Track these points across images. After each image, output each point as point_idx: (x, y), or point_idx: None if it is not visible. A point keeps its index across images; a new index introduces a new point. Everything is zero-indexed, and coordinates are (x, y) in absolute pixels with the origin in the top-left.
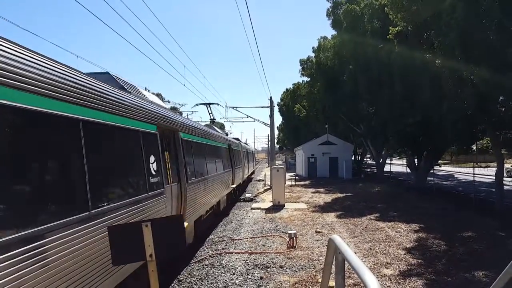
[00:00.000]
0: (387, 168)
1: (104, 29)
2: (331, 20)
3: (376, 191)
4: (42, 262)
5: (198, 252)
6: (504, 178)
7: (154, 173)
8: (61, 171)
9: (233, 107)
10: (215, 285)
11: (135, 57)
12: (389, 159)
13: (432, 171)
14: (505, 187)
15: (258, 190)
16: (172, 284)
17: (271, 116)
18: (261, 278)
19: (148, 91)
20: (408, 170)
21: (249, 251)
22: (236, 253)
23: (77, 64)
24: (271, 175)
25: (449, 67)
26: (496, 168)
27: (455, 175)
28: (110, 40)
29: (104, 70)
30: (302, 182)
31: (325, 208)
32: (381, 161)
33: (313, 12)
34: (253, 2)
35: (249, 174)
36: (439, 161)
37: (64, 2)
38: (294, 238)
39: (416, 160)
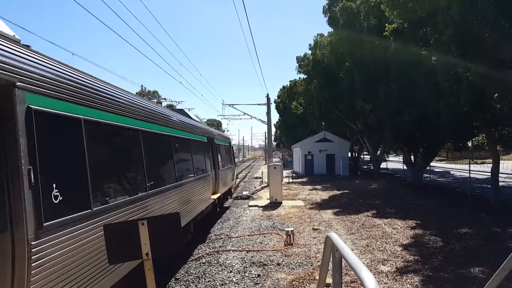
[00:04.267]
0: (383, 165)
1: (99, 26)
2: (327, 17)
3: (372, 188)
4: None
5: (195, 250)
6: (501, 175)
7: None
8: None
9: (230, 105)
10: (212, 283)
11: (130, 54)
12: (385, 155)
13: (428, 167)
14: (500, 184)
15: (255, 187)
16: (169, 283)
17: (268, 113)
18: (259, 275)
19: (145, 88)
20: (405, 167)
21: (246, 249)
22: (233, 250)
23: (73, 62)
24: (268, 173)
25: (445, 64)
26: (491, 165)
27: (451, 172)
28: (106, 37)
29: (98, 66)
30: (299, 179)
31: (322, 205)
32: (377, 156)
33: (310, 9)
34: None
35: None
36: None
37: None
38: (292, 235)
39: (412, 157)
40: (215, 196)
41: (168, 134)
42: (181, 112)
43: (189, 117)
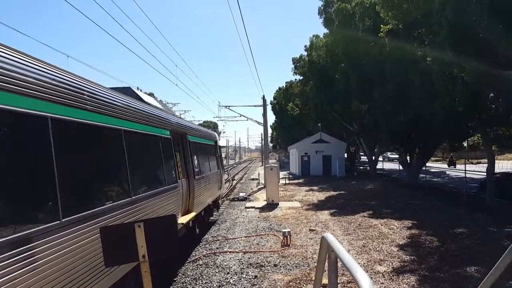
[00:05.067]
0: (379, 165)
1: (94, 29)
2: (323, 19)
3: (369, 188)
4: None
5: (192, 252)
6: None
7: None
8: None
9: (226, 106)
10: (209, 285)
11: (126, 57)
12: (381, 157)
13: (424, 168)
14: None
15: (252, 189)
16: (166, 285)
17: (264, 114)
18: (256, 277)
19: (140, 90)
20: (401, 168)
21: (243, 250)
22: (230, 252)
23: (67, 65)
24: (264, 174)
25: (440, 64)
26: (487, 165)
27: (447, 172)
28: (100, 39)
29: (93, 68)
30: (296, 181)
31: (318, 206)
32: (373, 158)
33: (305, 10)
34: (245, 0)
35: None
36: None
37: (54, 2)
38: (288, 236)
39: (408, 158)
40: (186, 218)
41: (57, 117)
42: (126, 91)
43: (140, 99)
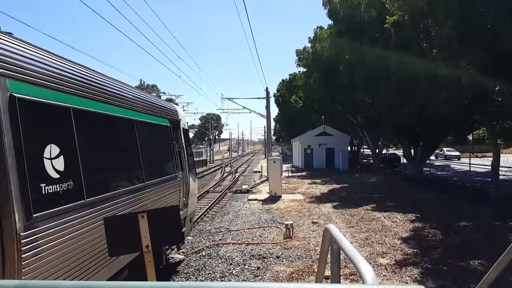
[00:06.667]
0: None
1: (99, 21)
2: (327, 10)
3: (372, 181)
4: None
5: (195, 243)
6: (501, 168)
7: None
8: None
9: (229, 98)
10: (212, 275)
11: (130, 48)
12: (385, 150)
13: (428, 161)
14: (500, 177)
15: (255, 181)
16: (170, 275)
17: (267, 107)
18: (258, 268)
19: (144, 82)
20: (404, 161)
21: (246, 242)
22: (233, 244)
23: (72, 56)
24: (267, 167)
25: (446, 57)
26: (492, 158)
27: (451, 165)
28: (105, 32)
29: (97, 60)
30: (299, 173)
31: (321, 199)
32: (377, 151)
33: (310, 1)
34: None
35: None
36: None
37: None
38: (291, 228)
39: (412, 151)
40: None
41: None
42: None
43: None
